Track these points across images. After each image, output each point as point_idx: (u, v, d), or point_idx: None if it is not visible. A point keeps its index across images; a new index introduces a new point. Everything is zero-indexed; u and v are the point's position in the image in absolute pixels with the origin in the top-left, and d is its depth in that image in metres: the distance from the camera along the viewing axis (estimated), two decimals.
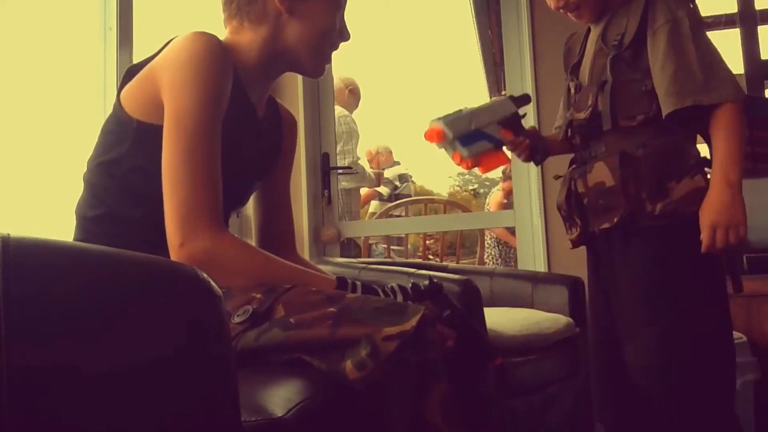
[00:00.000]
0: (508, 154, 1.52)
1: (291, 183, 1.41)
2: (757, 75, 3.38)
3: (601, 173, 1.36)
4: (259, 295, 0.98)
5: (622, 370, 1.41)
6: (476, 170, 1.43)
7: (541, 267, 2.46)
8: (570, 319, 2.02)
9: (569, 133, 1.50)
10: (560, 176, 1.56)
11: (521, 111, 1.51)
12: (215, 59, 1.05)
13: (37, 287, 0.46)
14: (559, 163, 1.65)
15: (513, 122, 1.48)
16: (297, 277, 1.04)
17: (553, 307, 2.09)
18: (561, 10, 1.46)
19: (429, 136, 1.39)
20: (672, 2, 1.31)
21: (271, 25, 1.16)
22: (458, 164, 1.39)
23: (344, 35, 1.22)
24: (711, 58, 1.29)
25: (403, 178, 4.82)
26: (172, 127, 1.02)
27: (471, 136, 1.40)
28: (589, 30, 1.51)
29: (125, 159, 1.10)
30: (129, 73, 1.14)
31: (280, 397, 0.76)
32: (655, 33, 1.31)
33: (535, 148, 1.52)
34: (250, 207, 1.39)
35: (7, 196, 1.75)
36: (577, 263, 2.30)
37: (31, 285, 0.45)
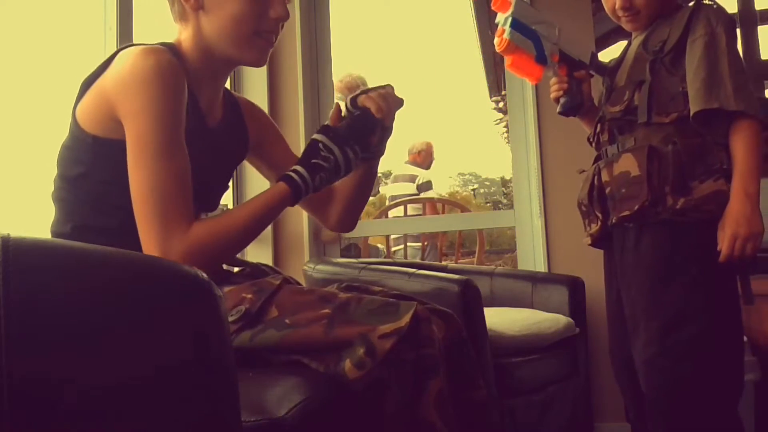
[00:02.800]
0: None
1: None
2: (757, 75, 3.38)
3: (628, 164, 1.40)
4: (249, 295, 0.99)
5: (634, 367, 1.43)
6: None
7: (541, 267, 2.46)
8: (570, 319, 2.02)
9: (598, 128, 1.53)
10: (584, 170, 1.58)
11: (592, 73, 1.55)
12: (168, 77, 1.03)
13: (38, 288, 0.45)
14: (575, 162, 1.64)
15: (574, 65, 1.51)
16: (253, 208, 1.06)
17: (553, 307, 2.09)
18: (620, 12, 1.50)
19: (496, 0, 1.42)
20: (713, 17, 1.39)
21: (192, 23, 1.14)
22: (497, 37, 1.41)
23: (279, 13, 1.14)
24: (741, 73, 1.36)
25: (424, 186, 4.80)
26: (136, 152, 1.01)
27: (526, 29, 1.41)
28: (629, 44, 1.57)
29: (89, 175, 1.09)
30: (83, 86, 1.12)
31: (280, 397, 0.76)
32: (694, 41, 1.39)
33: (571, 96, 1.53)
34: None
35: (6, 197, 1.75)
36: (577, 263, 2.31)
37: (31, 286, 0.45)
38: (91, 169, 1.09)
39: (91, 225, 1.10)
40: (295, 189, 1.08)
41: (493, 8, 1.42)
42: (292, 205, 1.11)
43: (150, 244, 0.99)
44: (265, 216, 1.07)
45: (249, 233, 1.07)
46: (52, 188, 1.14)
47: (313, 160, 1.10)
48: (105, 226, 1.09)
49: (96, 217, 1.10)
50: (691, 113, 1.34)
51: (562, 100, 1.54)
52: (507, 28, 1.39)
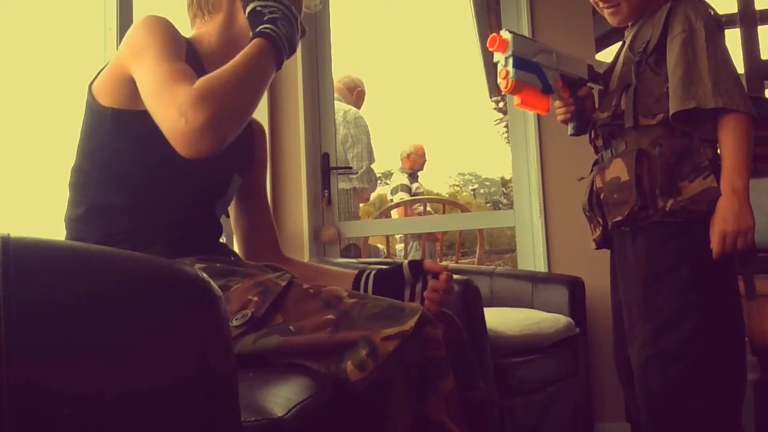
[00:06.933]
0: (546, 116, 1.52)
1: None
2: (757, 75, 3.38)
3: (618, 169, 1.41)
4: (255, 298, 0.98)
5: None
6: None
7: (541, 267, 2.46)
8: (570, 319, 2.02)
9: (592, 135, 1.55)
10: (583, 178, 1.60)
11: (591, 86, 1.55)
12: (170, 28, 1.11)
13: (39, 289, 0.45)
14: (579, 167, 1.65)
15: (575, 84, 1.51)
16: (237, 60, 1.05)
17: (553, 307, 2.09)
18: (601, 2, 1.50)
19: (492, 40, 1.40)
20: (691, 12, 1.37)
21: (225, 12, 1.23)
22: (501, 80, 1.39)
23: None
24: (722, 67, 1.34)
25: (413, 176, 5.15)
26: (142, 73, 1.05)
27: (527, 64, 1.40)
28: (622, 47, 1.57)
29: (105, 145, 1.13)
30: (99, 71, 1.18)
31: (280, 397, 0.76)
32: (672, 40, 1.38)
33: (579, 117, 1.54)
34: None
35: (6, 197, 1.75)
36: (577, 263, 2.31)
37: (32, 287, 0.45)
38: (106, 140, 1.13)
39: (103, 204, 1.13)
40: (267, 36, 1.08)
41: (489, 49, 1.40)
42: (277, 64, 1.10)
43: (165, 115, 0.98)
44: (252, 66, 1.05)
45: (243, 81, 1.03)
46: (69, 177, 1.18)
47: (265, 18, 1.11)
48: (116, 204, 1.12)
49: (108, 196, 1.13)
50: (670, 114, 1.34)
51: (571, 124, 1.55)
52: (510, 69, 1.38)
